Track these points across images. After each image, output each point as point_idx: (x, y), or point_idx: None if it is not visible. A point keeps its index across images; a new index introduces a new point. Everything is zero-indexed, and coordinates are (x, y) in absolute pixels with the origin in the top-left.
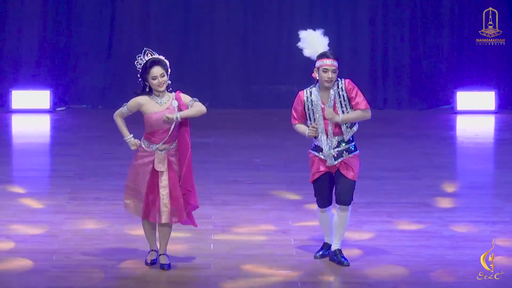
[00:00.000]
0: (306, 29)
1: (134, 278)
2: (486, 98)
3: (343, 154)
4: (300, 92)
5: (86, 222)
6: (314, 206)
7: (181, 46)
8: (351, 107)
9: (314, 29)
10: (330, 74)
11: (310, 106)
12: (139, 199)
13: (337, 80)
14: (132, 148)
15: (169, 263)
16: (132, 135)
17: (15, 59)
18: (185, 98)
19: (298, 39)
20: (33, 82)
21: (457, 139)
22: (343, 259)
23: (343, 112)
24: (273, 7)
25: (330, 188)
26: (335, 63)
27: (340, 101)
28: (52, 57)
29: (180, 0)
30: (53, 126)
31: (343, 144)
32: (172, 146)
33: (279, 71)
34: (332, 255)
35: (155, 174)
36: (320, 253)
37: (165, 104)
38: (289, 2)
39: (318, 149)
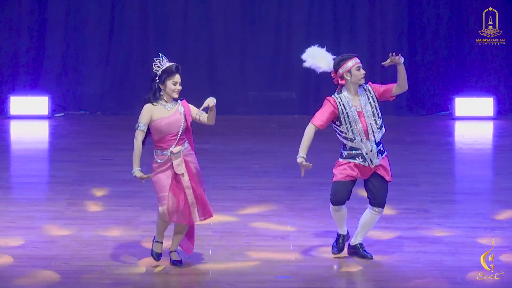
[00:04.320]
0: (309, 43)
1: (133, 284)
2: (485, 104)
3: (378, 156)
4: (328, 97)
5: (85, 228)
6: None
7: (179, 53)
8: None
9: (320, 46)
10: (363, 70)
11: (344, 110)
12: (164, 204)
13: (362, 86)
14: (139, 176)
15: (181, 260)
16: (139, 168)
17: (13, 65)
18: (193, 108)
19: (300, 49)
20: (31, 88)
21: (456, 145)
22: (365, 253)
23: (373, 114)
24: (272, 14)
25: (350, 193)
26: None
27: (376, 106)
28: (50, 63)
29: (178, 7)
30: (51, 132)
31: (379, 146)
32: (184, 147)
33: (277, 78)
34: (354, 249)
35: (177, 178)
36: (336, 250)
37: (172, 109)
38: (287, 8)
39: (352, 156)
